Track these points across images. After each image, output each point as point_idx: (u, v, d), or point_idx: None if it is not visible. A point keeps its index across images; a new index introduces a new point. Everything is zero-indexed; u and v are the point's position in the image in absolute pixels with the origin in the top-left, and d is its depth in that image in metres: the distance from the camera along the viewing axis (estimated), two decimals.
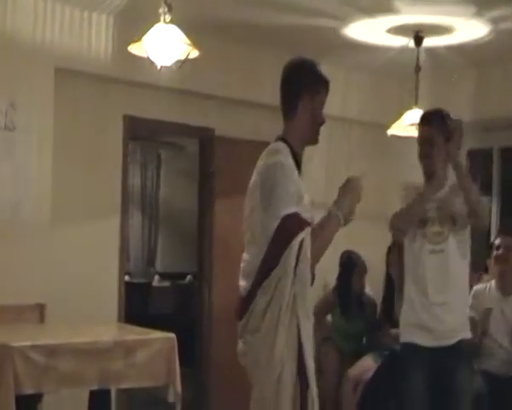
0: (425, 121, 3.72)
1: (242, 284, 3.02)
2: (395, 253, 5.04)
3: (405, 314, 3.76)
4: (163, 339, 4.31)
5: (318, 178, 6.22)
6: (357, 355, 5.60)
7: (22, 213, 4.93)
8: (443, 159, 3.62)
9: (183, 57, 3.92)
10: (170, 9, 3.82)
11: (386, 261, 5.43)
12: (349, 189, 3.04)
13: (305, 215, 2.97)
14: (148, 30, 3.84)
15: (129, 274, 8.48)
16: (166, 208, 10.06)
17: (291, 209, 2.90)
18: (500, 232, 5.44)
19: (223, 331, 5.82)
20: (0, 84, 4.84)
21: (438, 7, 5.01)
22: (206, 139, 6.21)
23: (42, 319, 4.93)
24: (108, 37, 5.33)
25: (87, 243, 5.37)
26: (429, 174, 3.67)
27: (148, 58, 3.92)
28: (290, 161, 3.01)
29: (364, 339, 5.87)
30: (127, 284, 6.07)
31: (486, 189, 6.46)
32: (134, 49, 3.97)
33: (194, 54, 3.92)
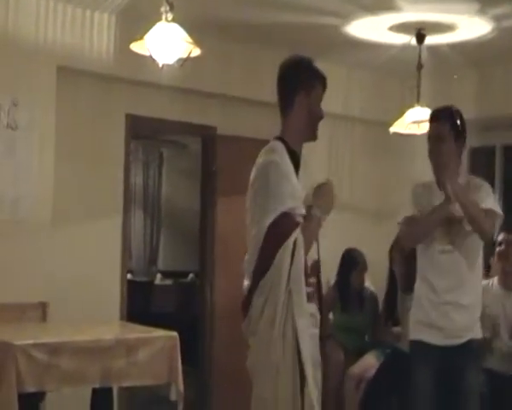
0: (434, 118, 3.69)
1: (245, 283, 3.04)
2: (398, 250, 5.06)
3: (415, 312, 3.73)
4: (165, 337, 4.31)
5: (320, 176, 6.21)
6: (361, 352, 5.60)
7: (24, 211, 4.94)
8: (453, 156, 3.59)
9: (184, 55, 3.92)
10: (172, 8, 3.82)
11: (389, 258, 5.43)
12: (324, 192, 3.11)
13: (300, 212, 3.00)
14: (149, 29, 3.85)
15: (131, 272, 8.48)
16: (168, 207, 10.07)
17: (284, 208, 2.94)
18: (502, 229, 5.43)
19: (225, 330, 5.83)
20: (2, 82, 4.85)
21: (440, 4, 5.00)
22: (208, 138, 6.20)
23: (44, 317, 4.94)
24: (110, 35, 5.33)
25: (89, 242, 5.37)
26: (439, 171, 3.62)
27: (151, 56, 3.93)
28: (286, 160, 3.04)
29: (367, 337, 5.88)
30: (129, 282, 6.07)
31: None
32: (136, 47, 3.97)
33: (196, 52, 3.92)
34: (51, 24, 5.07)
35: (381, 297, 5.72)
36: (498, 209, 3.64)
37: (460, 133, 3.63)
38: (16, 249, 4.83)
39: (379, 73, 6.69)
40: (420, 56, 5.53)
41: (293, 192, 3.00)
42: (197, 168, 6.55)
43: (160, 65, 3.98)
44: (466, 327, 3.62)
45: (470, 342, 3.60)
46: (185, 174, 9.34)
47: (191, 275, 9.08)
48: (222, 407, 5.98)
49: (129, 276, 6.71)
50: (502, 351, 4.72)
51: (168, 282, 9.42)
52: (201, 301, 6.20)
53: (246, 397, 3.09)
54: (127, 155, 5.73)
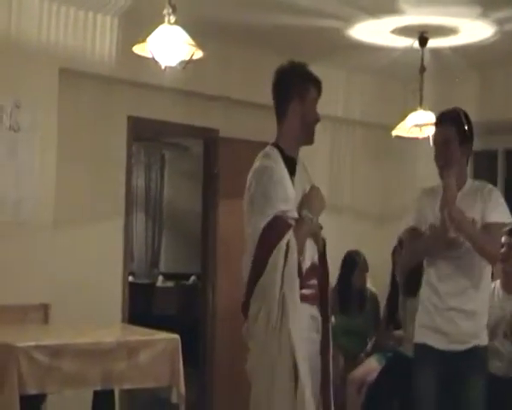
0: (440, 122, 3.63)
1: (243, 282, 3.08)
2: (400, 253, 5.05)
3: (421, 316, 3.69)
4: (167, 340, 4.31)
5: (322, 179, 6.22)
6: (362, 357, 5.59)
7: (26, 213, 4.94)
8: (459, 160, 3.53)
9: (187, 58, 3.92)
10: (174, 10, 3.82)
11: (392, 261, 5.42)
12: (313, 195, 3.14)
13: (293, 215, 3.04)
14: (152, 31, 3.85)
15: (133, 275, 8.49)
16: (170, 209, 10.08)
17: (277, 212, 2.96)
18: (504, 232, 5.42)
19: (226, 332, 5.82)
20: (5, 84, 4.85)
21: (443, 8, 5.00)
22: (210, 140, 6.20)
23: (46, 319, 4.94)
24: (113, 38, 5.33)
25: (91, 244, 5.37)
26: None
27: (153, 59, 3.93)
28: (280, 166, 3.10)
29: (369, 341, 5.86)
30: (131, 284, 6.07)
31: None
32: (138, 49, 3.98)
33: (199, 55, 3.93)
34: (54, 26, 5.07)
35: (382, 300, 5.71)
36: (507, 218, 3.56)
37: (467, 138, 3.55)
38: (18, 251, 4.83)
39: (381, 77, 6.69)
40: (422, 59, 5.53)
41: (286, 197, 3.05)
42: (199, 170, 6.56)
43: (163, 67, 3.98)
44: (471, 333, 3.56)
45: (475, 349, 3.55)
46: (187, 176, 9.35)
47: (193, 277, 9.08)
48: (223, 409, 5.98)
49: (130, 278, 6.72)
50: (501, 354, 4.71)
51: (170, 284, 9.43)
52: (203, 304, 6.20)
53: (247, 399, 3.09)
54: (129, 157, 5.73)
